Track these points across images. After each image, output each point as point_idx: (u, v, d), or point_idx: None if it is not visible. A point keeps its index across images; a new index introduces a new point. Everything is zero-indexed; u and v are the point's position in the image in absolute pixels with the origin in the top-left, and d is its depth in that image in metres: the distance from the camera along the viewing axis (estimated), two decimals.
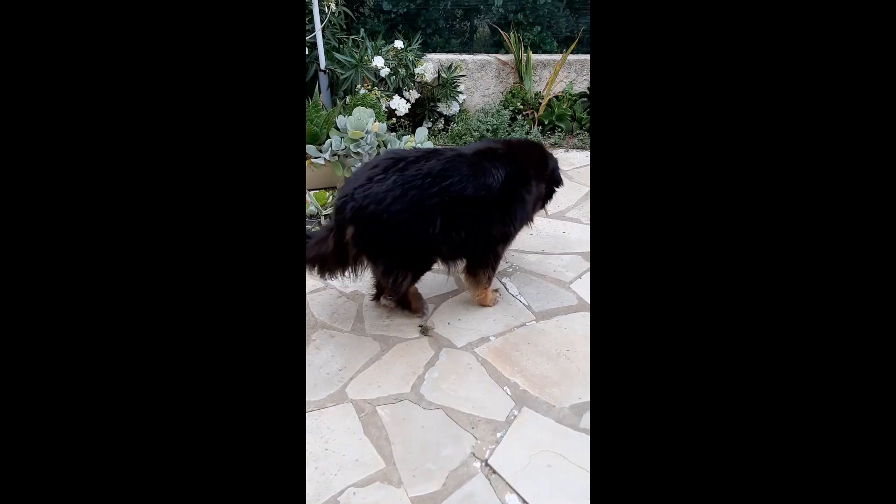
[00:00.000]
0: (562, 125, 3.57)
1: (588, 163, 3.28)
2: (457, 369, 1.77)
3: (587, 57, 3.86)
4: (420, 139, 2.92)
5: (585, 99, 3.77)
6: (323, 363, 1.80)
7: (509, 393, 1.68)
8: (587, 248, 2.43)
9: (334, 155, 2.54)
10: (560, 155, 3.39)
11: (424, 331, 1.93)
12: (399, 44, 3.02)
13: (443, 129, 3.58)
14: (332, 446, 1.51)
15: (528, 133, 3.46)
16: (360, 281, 2.21)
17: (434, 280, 2.22)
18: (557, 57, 3.80)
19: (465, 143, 3.24)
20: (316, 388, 1.70)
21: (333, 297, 2.14)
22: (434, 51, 3.94)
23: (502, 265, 2.32)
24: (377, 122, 2.59)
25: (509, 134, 3.36)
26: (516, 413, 1.61)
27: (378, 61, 2.79)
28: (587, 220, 2.66)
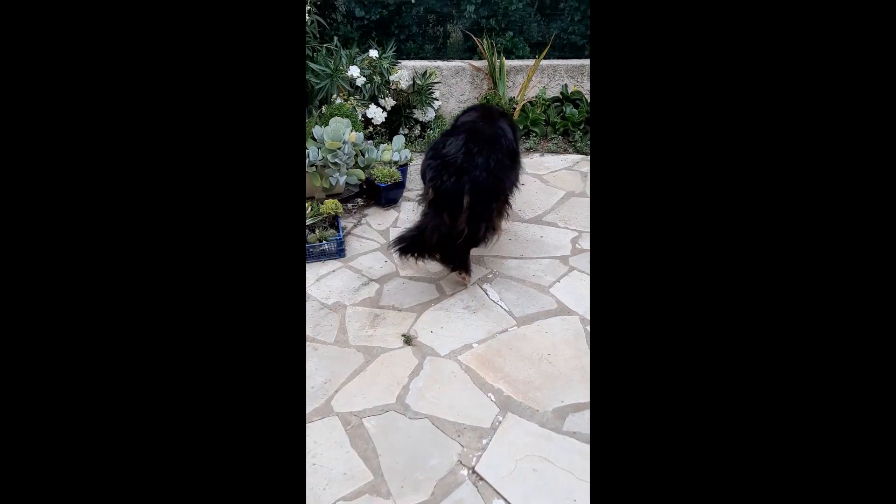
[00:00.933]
0: (536, 130, 3.63)
1: (564, 166, 3.34)
2: (441, 378, 1.79)
3: (559, 62, 3.92)
4: (397, 147, 2.93)
5: (559, 104, 3.84)
6: (307, 376, 1.80)
7: (493, 399, 1.71)
8: (565, 252, 2.48)
9: (311, 165, 2.53)
10: (535, 160, 3.45)
11: (408, 340, 1.95)
12: (374, 53, 3.03)
13: (419, 136, 3.60)
14: (319, 460, 1.51)
15: None
16: (343, 293, 2.22)
17: (416, 287, 2.24)
18: (530, 62, 3.85)
19: None
20: None
21: (315, 308, 2.13)
22: (408, 56, 3.95)
23: (482, 271, 2.35)
24: (354, 132, 2.59)
25: None
26: (501, 419, 1.64)
27: (354, 71, 2.79)
28: (564, 223, 2.71)
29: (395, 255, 2.11)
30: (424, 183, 2.13)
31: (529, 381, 1.78)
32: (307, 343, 1.95)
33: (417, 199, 2.31)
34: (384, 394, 1.73)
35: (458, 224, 2.02)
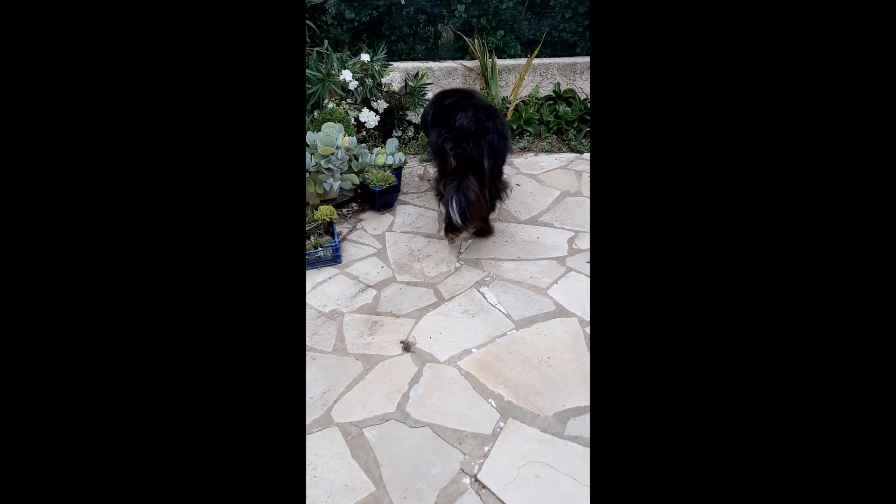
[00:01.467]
0: (530, 129, 3.62)
1: (558, 166, 3.33)
2: (441, 384, 1.78)
3: (551, 60, 3.91)
4: (391, 150, 2.91)
5: (552, 102, 3.83)
6: (306, 387, 1.78)
7: (494, 405, 1.70)
8: (562, 253, 2.47)
9: (305, 171, 2.51)
10: (529, 159, 3.44)
11: (406, 347, 1.94)
12: (365, 57, 3.01)
13: (412, 138, 3.58)
14: (320, 473, 1.50)
15: None
16: (340, 300, 2.20)
17: (413, 293, 2.23)
18: (522, 61, 3.84)
19: None
20: None
21: (312, 317, 2.12)
22: (399, 57, 3.93)
23: (480, 274, 2.34)
24: (347, 137, 2.57)
25: None
26: (502, 425, 1.63)
27: (346, 75, 2.77)
28: (560, 224, 2.70)
29: (452, 230, 2.39)
30: (440, 156, 2.37)
31: (530, 385, 1.77)
32: (306, 352, 1.94)
33: (434, 176, 2.53)
34: (384, 402, 1.72)
35: (485, 184, 2.31)
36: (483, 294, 2.21)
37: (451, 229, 2.40)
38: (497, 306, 2.14)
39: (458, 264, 2.41)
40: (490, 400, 1.72)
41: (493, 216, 2.74)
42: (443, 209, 2.48)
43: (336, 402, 1.73)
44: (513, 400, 1.72)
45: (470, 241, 2.58)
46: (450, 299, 2.19)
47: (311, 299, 2.21)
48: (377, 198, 2.80)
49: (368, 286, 2.29)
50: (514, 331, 2.01)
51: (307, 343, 1.98)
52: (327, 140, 2.48)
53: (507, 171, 3.30)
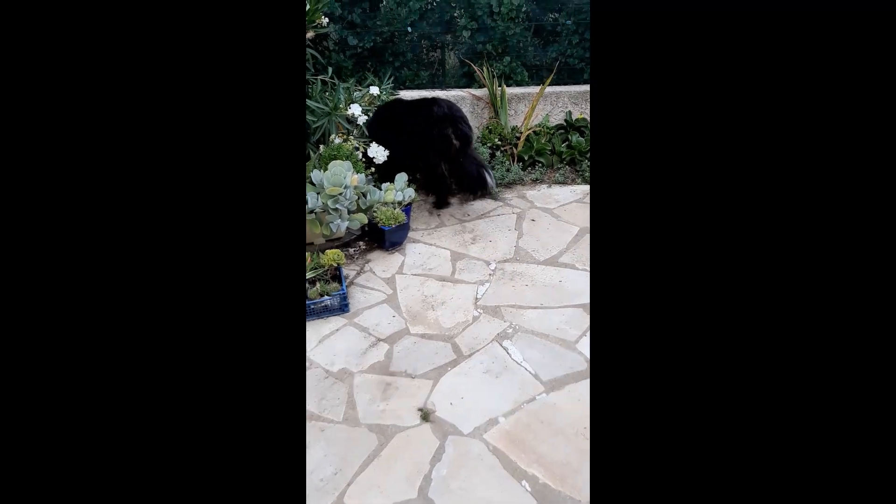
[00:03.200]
0: (542, 160, 3.47)
1: (574, 199, 3.18)
2: (467, 462, 1.59)
3: (562, 88, 3.79)
4: (400, 186, 2.75)
5: (563, 131, 3.69)
6: (315, 466, 1.58)
7: (528, 488, 1.51)
8: (587, 299, 2.30)
9: (311, 212, 2.33)
10: (543, 191, 3.28)
11: (425, 416, 1.74)
12: (374, 90, 2.86)
13: None
14: None
15: (508, 170, 3.34)
16: (349, 357, 2.01)
17: (429, 348, 2.04)
18: (530, 90, 3.71)
19: None
20: (310, 499, 1.49)
21: (320, 377, 1.92)
22: (404, 85, 3.79)
23: (501, 325, 2.16)
24: (356, 175, 2.40)
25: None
26: None
27: (355, 109, 2.62)
28: (582, 265, 2.54)
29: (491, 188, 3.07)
30: (440, 144, 2.83)
31: (567, 462, 1.58)
32: (313, 422, 1.74)
33: (442, 171, 2.96)
34: (404, 486, 1.52)
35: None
36: (506, 349, 2.03)
37: (488, 194, 3.10)
38: (522, 364, 1.95)
39: (475, 313, 2.23)
40: (523, 482, 1.53)
41: (510, 257, 2.61)
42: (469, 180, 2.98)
43: (349, 485, 1.53)
44: (549, 482, 1.52)
45: (487, 285, 2.40)
46: (470, 356, 2.00)
47: (317, 356, 2.02)
48: (386, 237, 2.62)
49: (380, 339, 2.10)
50: (544, 394, 1.82)
51: (315, 410, 1.78)
52: (335, 180, 2.30)
53: (520, 204, 3.16)
